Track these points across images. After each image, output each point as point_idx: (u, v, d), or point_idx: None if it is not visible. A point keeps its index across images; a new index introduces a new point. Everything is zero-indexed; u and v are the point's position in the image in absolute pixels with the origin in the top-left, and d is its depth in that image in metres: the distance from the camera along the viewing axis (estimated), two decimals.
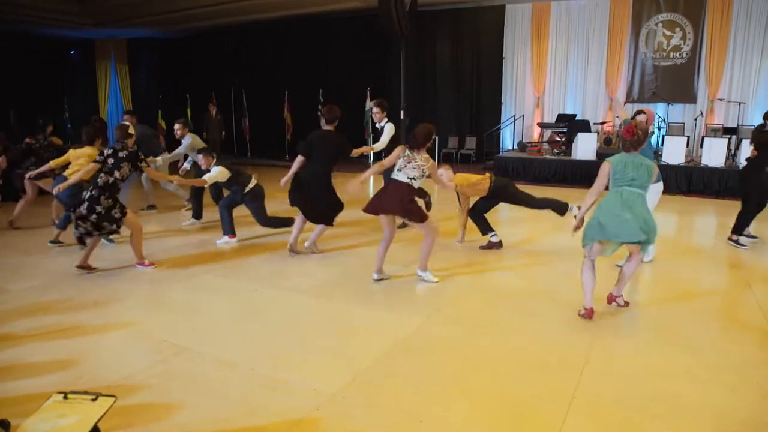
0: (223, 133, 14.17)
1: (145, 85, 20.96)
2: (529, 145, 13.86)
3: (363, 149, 6.86)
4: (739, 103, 13.16)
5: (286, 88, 16.77)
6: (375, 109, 7.19)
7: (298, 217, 6.29)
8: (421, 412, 3.09)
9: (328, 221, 6.18)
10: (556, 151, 13.23)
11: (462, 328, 4.28)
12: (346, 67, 16.72)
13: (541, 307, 4.74)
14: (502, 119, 15.85)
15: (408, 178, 5.02)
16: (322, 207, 6.05)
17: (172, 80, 19.98)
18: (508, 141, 15.93)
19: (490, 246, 6.55)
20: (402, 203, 5.01)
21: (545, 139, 14.12)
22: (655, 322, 4.49)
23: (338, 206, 6.16)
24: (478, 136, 15.92)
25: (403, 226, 6.77)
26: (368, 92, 15.11)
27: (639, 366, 3.71)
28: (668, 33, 13.92)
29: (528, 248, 6.69)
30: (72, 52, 19.41)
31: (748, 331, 4.29)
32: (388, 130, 7.00)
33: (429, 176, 5.13)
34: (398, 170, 5.07)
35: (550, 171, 12.49)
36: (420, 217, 5.08)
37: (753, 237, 6.92)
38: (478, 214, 6.60)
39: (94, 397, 2.40)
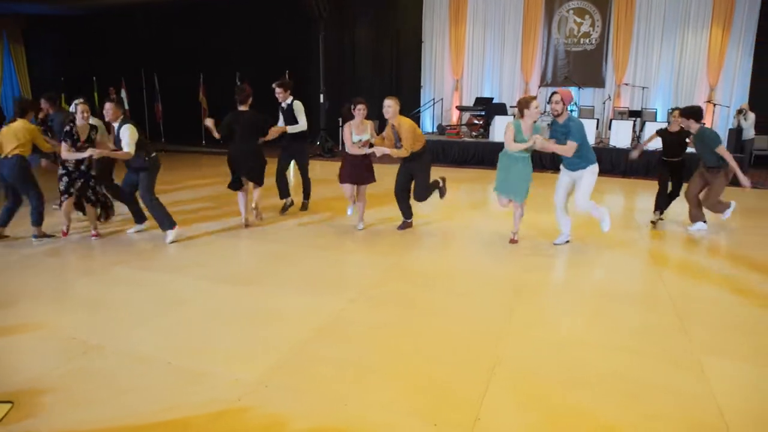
0: None
1: (46, 66, 19.55)
2: (448, 128, 14.07)
3: (279, 129, 6.83)
4: (643, 88, 13.89)
5: (201, 70, 16.16)
6: (278, 90, 6.99)
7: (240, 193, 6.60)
8: (346, 395, 3.06)
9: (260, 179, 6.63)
10: (474, 133, 13.49)
11: (385, 311, 4.27)
12: (265, 50, 16.28)
13: (461, 285, 4.82)
14: (422, 102, 15.98)
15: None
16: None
17: (77, 62, 18.78)
18: (428, 124, 16.09)
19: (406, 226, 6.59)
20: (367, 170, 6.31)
21: (464, 122, 14.37)
22: (568, 295, 4.67)
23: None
24: None
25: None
26: (287, 75, 14.79)
27: (554, 337, 3.87)
28: (578, 20, 14.46)
29: (447, 228, 6.78)
30: None
31: (651, 300, 4.54)
32: (300, 108, 7.00)
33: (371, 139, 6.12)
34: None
35: (468, 153, 12.73)
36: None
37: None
38: (403, 193, 6.43)
39: None
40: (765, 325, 4.10)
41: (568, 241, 6.02)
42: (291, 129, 6.93)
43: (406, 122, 6.02)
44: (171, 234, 6.00)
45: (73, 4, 16.02)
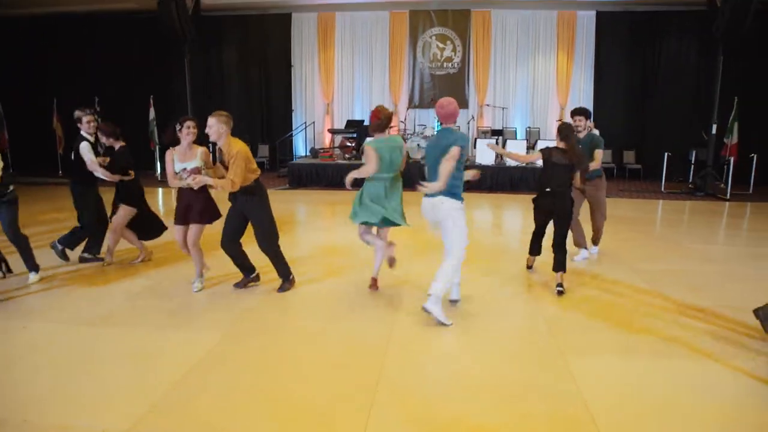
0: None
1: None
2: (322, 151, 14.12)
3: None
4: (503, 108, 14.88)
5: (54, 95, 14.93)
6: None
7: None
8: (228, 428, 2.93)
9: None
10: (347, 156, 13.64)
11: (262, 339, 4.15)
12: (126, 73, 15.44)
13: (339, 310, 4.80)
14: (294, 126, 15.95)
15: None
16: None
17: None
18: (300, 148, 16.07)
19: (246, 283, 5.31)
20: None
21: (336, 144, 14.50)
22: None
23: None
24: (270, 144, 15.82)
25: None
26: (151, 100, 14.13)
27: (432, 350, 4.00)
28: (441, 45, 15.21)
29: (325, 253, 6.77)
30: None
31: (520, 308, 4.82)
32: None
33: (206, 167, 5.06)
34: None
35: (343, 175, 12.77)
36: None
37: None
38: (233, 244, 5.10)
39: None
40: (617, 320, 4.48)
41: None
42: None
43: (237, 146, 4.73)
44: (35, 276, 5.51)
45: None
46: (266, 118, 16.30)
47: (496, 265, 6.19)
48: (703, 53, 13.93)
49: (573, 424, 2.99)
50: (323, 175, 12.91)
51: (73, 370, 3.67)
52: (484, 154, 12.53)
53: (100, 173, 5.78)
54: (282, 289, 5.18)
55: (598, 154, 5.97)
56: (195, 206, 4.99)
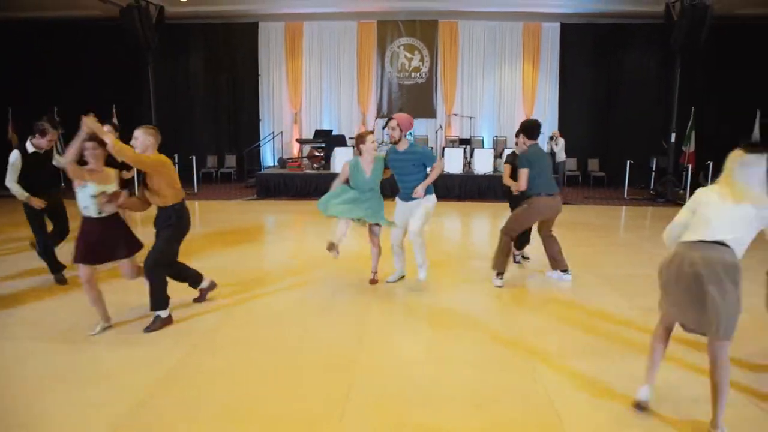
0: None
1: None
2: (290, 161, 14.05)
3: None
4: (470, 118, 15.05)
5: (8, 104, 14.48)
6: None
7: None
8: None
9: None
10: (315, 165, 13.59)
11: (229, 353, 4.08)
12: (87, 82, 15.07)
13: (308, 319, 4.76)
14: (262, 136, 15.85)
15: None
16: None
17: None
18: (268, 158, 15.96)
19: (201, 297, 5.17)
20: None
21: (305, 154, 14.44)
22: (411, 320, 4.81)
23: None
24: (238, 154, 15.68)
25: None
26: (113, 111, 13.79)
27: (403, 358, 3.99)
28: (409, 55, 15.34)
29: (293, 263, 6.71)
30: None
31: (485, 315, 4.84)
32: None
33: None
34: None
35: (311, 185, 12.78)
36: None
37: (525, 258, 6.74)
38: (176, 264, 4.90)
39: None
40: (583, 325, 4.54)
41: (402, 277, 5.81)
42: None
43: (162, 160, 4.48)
44: None
45: None
46: (233, 128, 16.16)
47: (464, 272, 6.22)
48: (663, 65, 14.37)
49: (543, 430, 3.01)
50: (291, 185, 12.83)
51: (30, 389, 3.54)
52: (452, 163, 12.64)
53: (14, 191, 5.48)
54: (148, 329, 4.45)
55: (520, 173, 5.46)
56: (115, 239, 4.39)
